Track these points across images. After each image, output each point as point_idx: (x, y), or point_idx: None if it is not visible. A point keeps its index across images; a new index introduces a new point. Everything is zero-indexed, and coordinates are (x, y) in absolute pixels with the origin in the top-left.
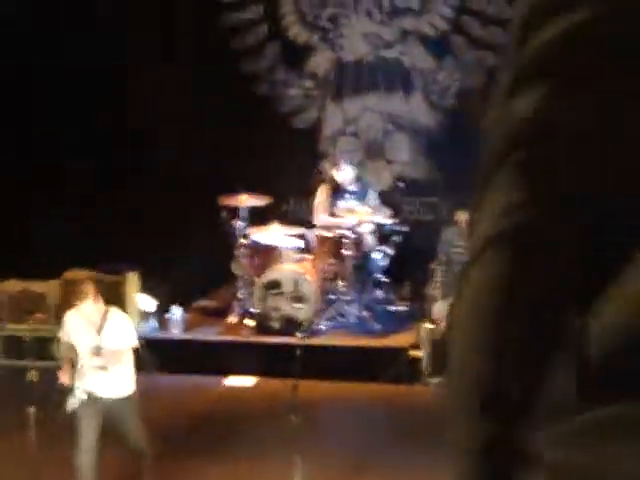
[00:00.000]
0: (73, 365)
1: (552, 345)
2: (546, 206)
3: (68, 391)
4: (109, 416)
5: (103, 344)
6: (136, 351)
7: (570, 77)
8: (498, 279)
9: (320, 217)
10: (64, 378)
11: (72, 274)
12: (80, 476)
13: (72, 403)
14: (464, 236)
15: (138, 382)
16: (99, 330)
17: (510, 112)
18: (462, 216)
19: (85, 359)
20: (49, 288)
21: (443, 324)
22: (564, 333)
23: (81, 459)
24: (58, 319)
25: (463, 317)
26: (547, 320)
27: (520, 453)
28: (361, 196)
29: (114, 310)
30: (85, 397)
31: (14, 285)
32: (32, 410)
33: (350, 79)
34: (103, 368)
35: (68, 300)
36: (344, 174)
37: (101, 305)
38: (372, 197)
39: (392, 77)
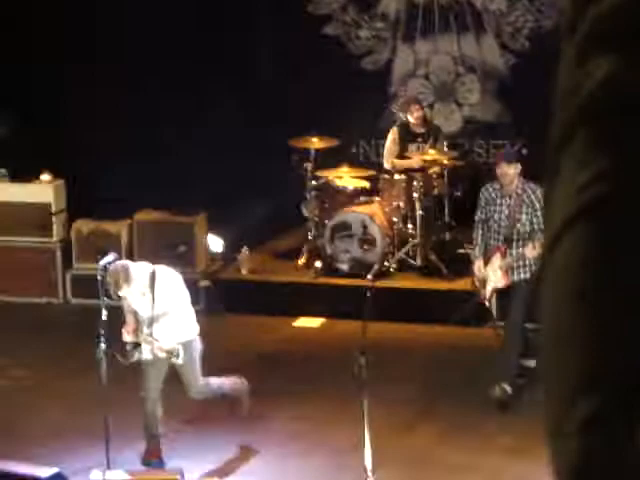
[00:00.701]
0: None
1: None
2: (627, 177)
3: (133, 345)
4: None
5: (158, 310)
6: (206, 291)
7: None
8: (584, 257)
9: (390, 159)
10: (127, 336)
11: (143, 214)
12: (147, 419)
13: (137, 357)
14: (503, 192)
15: (207, 323)
16: (151, 297)
17: (580, 81)
18: (505, 169)
19: (147, 325)
20: (121, 228)
21: (483, 283)
22: None
23: (147, 405)
24: (129, 259)
25: (552, 301)
26: None
27: (627, 431)
28: (431, 138)
29: (160, 271)
30: (149, 357)
31: (86, 224)
32: (102, 348)
33: (421, 20)
34: (171, 354)
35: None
36: (415, 116)
37: (144, 269)
38: (442, 139)
39: (464, 18)
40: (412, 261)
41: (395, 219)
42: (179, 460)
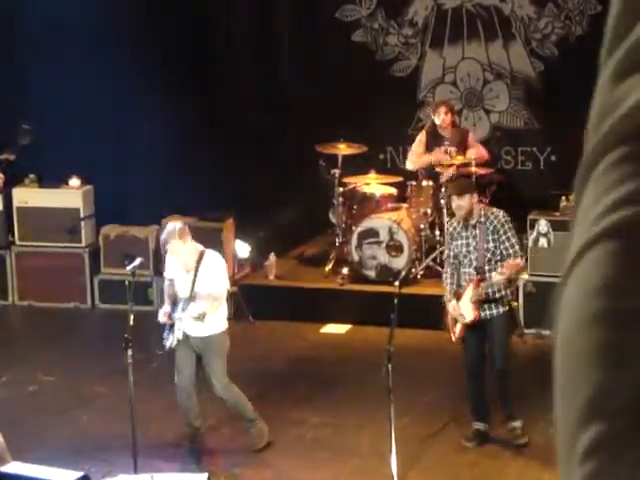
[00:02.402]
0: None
1: None
2: None
3: (167, 328)
4: (198, 353)
5: (197, 289)
6: (232, 297)
7: None
8: (603, 280)
9: (413, 160)
10: (164, 317)
11: (170, 220)
12: (181, 412)
13: (171, 341)
14: (466, 224)
15: (234, 328)
16: (195, 274)
17: (615, 102)
18: (457, 202)
19: (182, 303)
20: (148, 233)
21: (454, 321)
22: None
23: (180, 395)
24: (156, 264)
25: (565, 327)
26: None
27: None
28: (459, 142)
29: (209, 252)
30: (181, 337)
31: (114, 230)
32: (130, 353)
33: (449, 27)
34: (199, 319)
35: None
36: (442, 118)
37: (197, 247)
38: (471, 138)
39: (492, 25)
40: (439, 268)
41: (422, 226)
42: (206, 465)
